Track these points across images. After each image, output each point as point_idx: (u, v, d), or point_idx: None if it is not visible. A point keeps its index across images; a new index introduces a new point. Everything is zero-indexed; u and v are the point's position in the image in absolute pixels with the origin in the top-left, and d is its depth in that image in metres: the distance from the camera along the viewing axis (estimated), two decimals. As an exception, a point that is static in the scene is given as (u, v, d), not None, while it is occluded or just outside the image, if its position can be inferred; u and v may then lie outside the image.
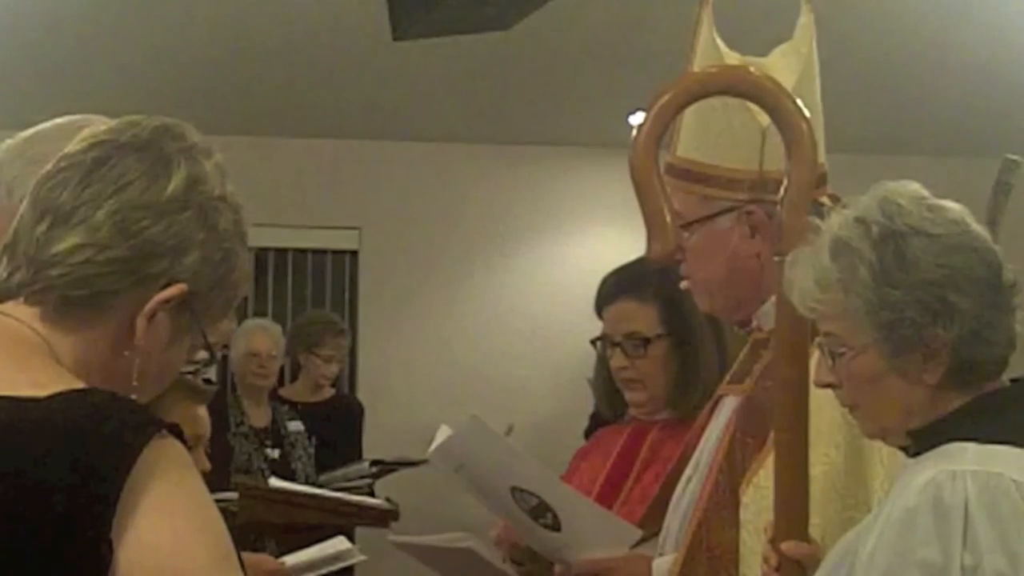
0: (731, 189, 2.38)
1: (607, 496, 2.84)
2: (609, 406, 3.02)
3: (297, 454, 5.73)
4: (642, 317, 2.85)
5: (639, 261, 2.90)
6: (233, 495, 4.54)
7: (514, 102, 6.89)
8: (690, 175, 2.39)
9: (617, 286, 2.91)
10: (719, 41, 2.40)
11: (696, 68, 2.36)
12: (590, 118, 6.89)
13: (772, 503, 2.10)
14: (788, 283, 1.97)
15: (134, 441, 1.35)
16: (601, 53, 6.06)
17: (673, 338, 2.84)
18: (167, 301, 1.50)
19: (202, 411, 2.54)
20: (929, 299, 1.87)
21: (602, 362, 2.95)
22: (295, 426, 5.80)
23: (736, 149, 2.38)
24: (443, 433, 2.70)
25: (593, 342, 2.95)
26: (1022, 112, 6.55)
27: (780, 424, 2.08)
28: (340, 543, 4.25)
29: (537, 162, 7.59)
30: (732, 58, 2.41)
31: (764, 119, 2.32)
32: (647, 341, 2.84)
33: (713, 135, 2.37)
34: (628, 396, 2.90)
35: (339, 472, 5.86)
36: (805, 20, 2.47)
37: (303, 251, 7.65)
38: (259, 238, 6.94)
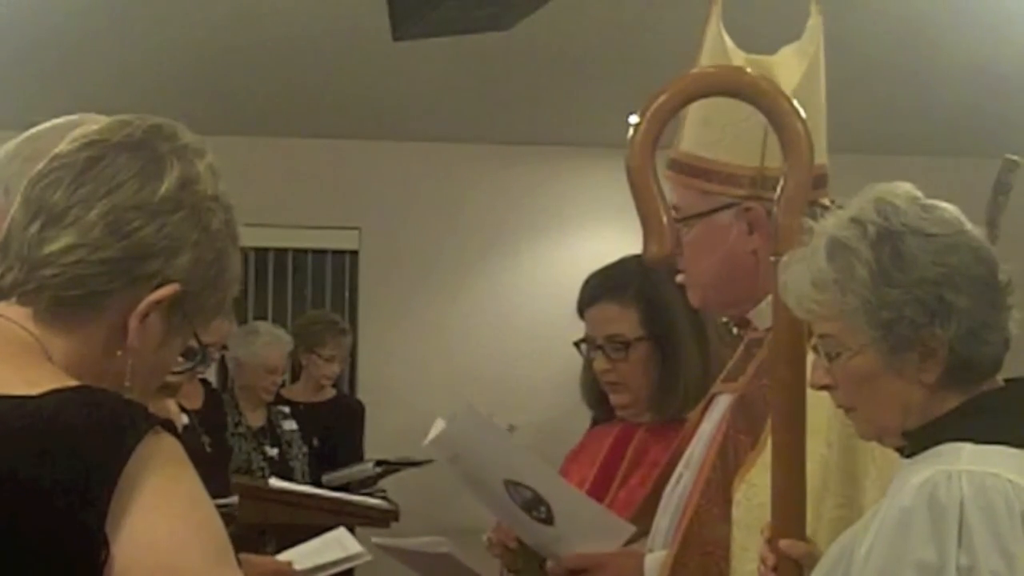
0: (731, 185, 2.38)
1: (594, 499, 2.83)
2: (597, 408, 3.01)
3: (294, 453, 5.72)
4: (623, 320, 2.83)
5: (621, 262, 2.89)
6: (233, 499, 4.52)
7: (514, 102, 6.88)
8: (691, 169, 2.39)
9: (598, 288, 2.89)
10: (727, 38, 2.40)
11: (702, 64, 2.36)
12: (590, 118, 6.88)
13: (765, 501, 2.10)
14: (783, 285, 1.97)
15: (128, 437, 1.35)
16: (601, 53, 6.06)
17: (654, 341, 2.82)
18: (159, 302, 1.50)
19: (172, 404, 2.53)
20: (927, 298, 1.87)
21: (588, 364, 2.93)
22: (290, 425, 5.80)
23: (738, 145, 2.37)
24: (439, 425, 2.70)
25: (577, 345, 2.93)
26: (1022, 112, 6.54)
27: (777, 425, 2.08)
28: (343, 536, 4.24)
29: (537, 162, 7.58)
30: (738, 56, 2.41)
31: None
32: (628, 344, 2.82)
33: (716, 130, 2.37)
34: (612, 399, 2.89)
35: (343, 472, 5.85)
36: (814, 21, 2.46)
37: (303, 251, 7.64)
38: (259, 238, 6.94)
